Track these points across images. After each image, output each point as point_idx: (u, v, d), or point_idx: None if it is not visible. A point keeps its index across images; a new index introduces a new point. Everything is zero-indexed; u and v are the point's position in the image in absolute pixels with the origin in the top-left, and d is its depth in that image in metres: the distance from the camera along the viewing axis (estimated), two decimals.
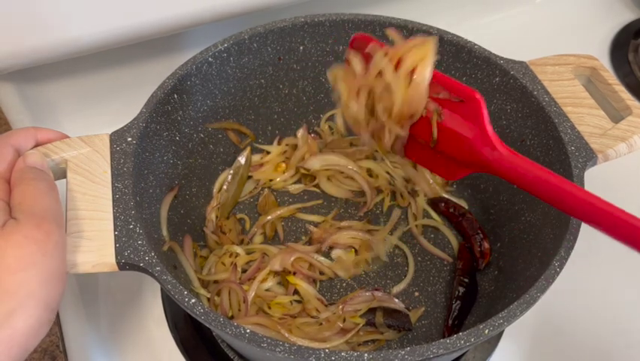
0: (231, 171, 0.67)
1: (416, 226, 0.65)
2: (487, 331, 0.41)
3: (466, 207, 0.67)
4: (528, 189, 0.42)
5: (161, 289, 0.62)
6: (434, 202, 0.67)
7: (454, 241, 0.65)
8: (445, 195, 0.68)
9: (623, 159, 0.54)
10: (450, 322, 0.57)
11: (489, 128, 0.43)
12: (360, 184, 0.68)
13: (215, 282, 0.59)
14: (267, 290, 0.60)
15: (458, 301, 0.58)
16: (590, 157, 0.51)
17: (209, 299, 0.58)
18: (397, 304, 0.57)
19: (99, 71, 0.72)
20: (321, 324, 0.56)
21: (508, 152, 0.43)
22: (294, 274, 0.59)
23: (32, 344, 0.38)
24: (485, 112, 0.43)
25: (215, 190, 0.66)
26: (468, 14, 0.88)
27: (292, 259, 0.59)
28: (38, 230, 0.39)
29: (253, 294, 0.58)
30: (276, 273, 0.60)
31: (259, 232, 0.65)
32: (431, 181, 0.68)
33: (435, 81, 0.45)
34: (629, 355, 0.59)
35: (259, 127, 0.69)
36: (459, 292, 0.59)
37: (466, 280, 0.59)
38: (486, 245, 0.61)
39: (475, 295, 0.60)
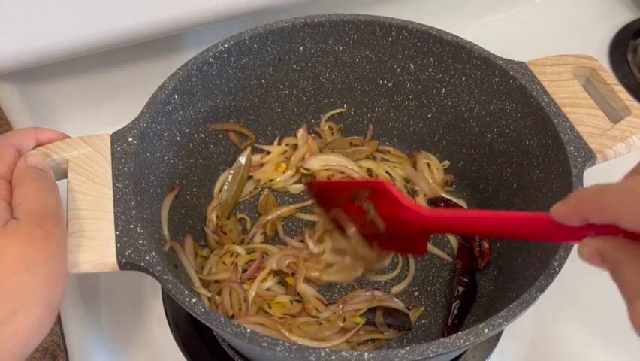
0: (232, 171, 0.67)
1: None
2: (486, 330, 0.41)
3: (466, 207, 0.67)
4: (462, 232, 0.48)
5: (162, 288, 0.62)
6: (434, 202, 0.67)
7: (453, 240, 0.65)
8: (445, 195, 0.68)
9: (622, 159, 0.54)
10: (450, 321, 0.57)
11: (406, 202, 0.48)
12: None
13: (216, 281, 0.59)
14: (267, 290, 0.60)
15: (458, 301, 0.58)
16: (589, 157, 0.51)
17: (209, 299, 0.58)
18: (397, 303, 0.58)
19: (99, 71, 0.72)
20: (321, 323, 0.56)
21: (430, 212, 0.48)
22: (293, 274, 0.60)
23: (34, 343, 0.38)
24: (396, 192, 0.48)
25: (215, 190, 0.66)
26: (468, 14, 0.88)
27: (287, 262, 0.59)
28: (40, 230, 0.39)
29: (253, 293, 0.58)
30: (275, 273, 0.61)
31: (259, 232, 0.65)
32: (431, 181, 0.68)
33: (346, 190, 0.53)
34: (628, 354, 0.59)
35: (259, 127, 0.69)
36: (458, 291, 0.59)
37: (466, 279, 0.60)
38: (485, 245, 0.62)
39: (475, 295, 0.60)
